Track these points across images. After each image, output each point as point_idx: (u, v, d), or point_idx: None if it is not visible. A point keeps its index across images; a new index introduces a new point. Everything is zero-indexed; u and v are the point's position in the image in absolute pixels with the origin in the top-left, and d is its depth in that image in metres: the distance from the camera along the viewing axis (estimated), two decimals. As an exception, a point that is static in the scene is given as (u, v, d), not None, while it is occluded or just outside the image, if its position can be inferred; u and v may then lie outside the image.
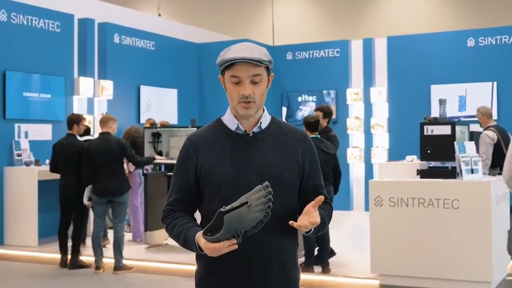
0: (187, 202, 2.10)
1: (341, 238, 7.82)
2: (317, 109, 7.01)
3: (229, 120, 2.09)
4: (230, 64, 1.99)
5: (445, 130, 5.88)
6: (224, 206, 1.83)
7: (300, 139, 2.12)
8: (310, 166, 2.11)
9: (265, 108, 2.11)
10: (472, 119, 8.73)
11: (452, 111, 10.08)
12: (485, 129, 6.77)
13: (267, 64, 2.02)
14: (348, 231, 8.97)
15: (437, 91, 10.51)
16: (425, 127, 5.92)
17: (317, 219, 1.92)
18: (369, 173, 11.22)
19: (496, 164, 6.67)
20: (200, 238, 1.91)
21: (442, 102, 6.32)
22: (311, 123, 6.11)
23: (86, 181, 6.29)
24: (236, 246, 1.85)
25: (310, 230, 1.98)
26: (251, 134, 2.06)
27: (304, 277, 4.51)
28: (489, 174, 6.44)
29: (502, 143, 6.60)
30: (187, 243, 1.99)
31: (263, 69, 2.02)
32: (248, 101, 2.00)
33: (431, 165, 6.10)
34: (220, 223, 1.83)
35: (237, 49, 1.99)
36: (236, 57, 1.97)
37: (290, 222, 1.93)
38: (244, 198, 1.84)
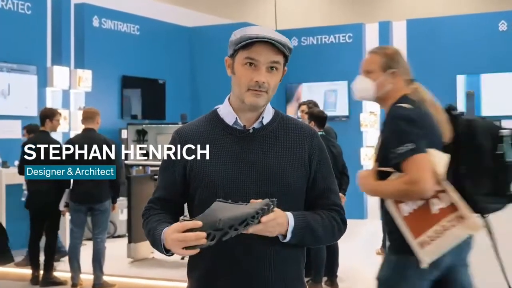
0: (171, 203, 2.09)
1: (354, 250, 7.80)
2: (302, 104, 6.68)
3: (227, 113, 2.07)
4: (248, 44, 1.96)
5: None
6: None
7: (307, 136, 2.10)
8: (318, 166, 2.09)
9: None
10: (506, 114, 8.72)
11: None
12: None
13: (288, 53, 2.01)
14: (362, 243, 8.94)
15: (464, 82, 10.50)
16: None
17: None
18: (385, 176, 11.19)
19: None
20: (168, 230, 1.87)
21: (470, 95, 6.32)
22: (321, 118, 5.91)
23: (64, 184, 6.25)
24: (204, 241, 1.78)
25: (285, 236, 1.93)
26: (251, 130, 2.05)
27: (311, 296, 4.49)
28: None
29: None
30: (155, 241, 1.95)
31: (282, 58, 2.01)
32: (261, 90, 1.98)
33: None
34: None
35: (259, 29, 1.98)
36: (261, 35, 1.95)
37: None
38: (249, 205, 1.85)
